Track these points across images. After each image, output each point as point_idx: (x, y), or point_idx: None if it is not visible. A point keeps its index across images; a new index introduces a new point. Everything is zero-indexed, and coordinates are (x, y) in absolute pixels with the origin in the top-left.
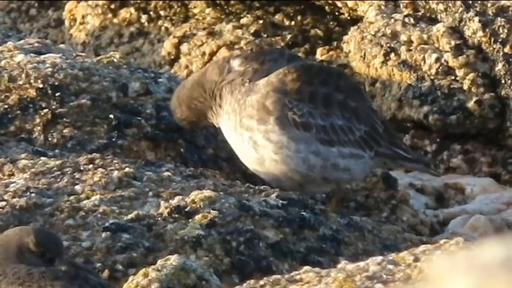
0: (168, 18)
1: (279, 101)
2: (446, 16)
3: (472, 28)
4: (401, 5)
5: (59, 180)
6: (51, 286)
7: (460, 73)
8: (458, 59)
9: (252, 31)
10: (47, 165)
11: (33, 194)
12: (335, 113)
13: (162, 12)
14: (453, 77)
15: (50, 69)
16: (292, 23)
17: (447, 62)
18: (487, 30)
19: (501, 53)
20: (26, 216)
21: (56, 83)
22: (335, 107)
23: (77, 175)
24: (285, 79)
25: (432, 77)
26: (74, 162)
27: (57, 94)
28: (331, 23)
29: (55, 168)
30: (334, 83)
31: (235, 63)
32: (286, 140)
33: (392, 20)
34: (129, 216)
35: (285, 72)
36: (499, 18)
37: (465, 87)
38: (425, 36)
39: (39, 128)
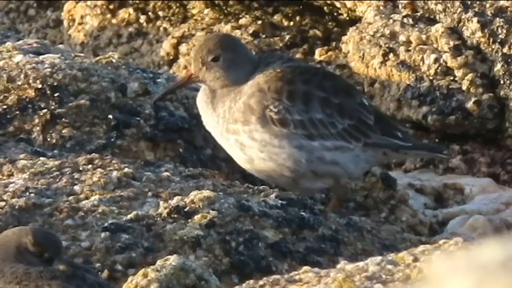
0: (167, 18)
1: (261, 100)
2: (445, 16)
3: (471, 28)
4: (400, 6)
5: (58, 180)
6: (48, 285)
7: (458, 73)
8: (457, 59)
9: (250, 31)
10: (46, 166)
11: (32, 194)
12: (314, 109)
13: (160, 13)
14: (452, 78)
15: (48, 69)
16: (291, 23)
17: (446, 63)
18: (486, 30)
19: (500, 54)
20: (25, 216)
21: (55, 84)
22: (315, 103)
23: (76, 175)
24: (268, 79)
25: (431, 78)
26: (73, 163)
27: (56, 94)
28: (330, 23)
29: (54, 169)
30: (317, 83)
31: None
32: (268, 137)
33: (391, 21)
34: (128, 217)
35: (270, 72)
36: (497, 18)
37: (464, 87)
38: (424, 37)
39: (38, 128)
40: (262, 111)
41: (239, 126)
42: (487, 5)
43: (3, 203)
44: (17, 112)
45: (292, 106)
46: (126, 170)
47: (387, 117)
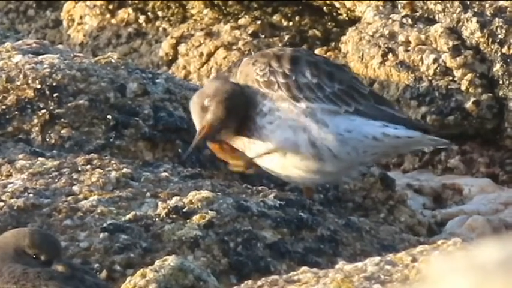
0: (166, 18)
1: (251, 76)
2: (444, 17)
3: (470, 29)
4: (399, 6)
5: (56, 180)
6: (45, 286)
7: (458, 74)
8: (456, 59)
9: (249, 32)
10: (44, 166)
11: (31, 195)
12: (301, 70)
13: (160, 13)
14: (451, 78)
15: (47, 69)
16: (290, 23)
17: (445, 63)
18: (485, 30)
19: (499, 54)
20: (24, 216)
21: (54, 84)
22: (302, 65)
23: (74, 176)
24: (254, 57)
25: (430, 78)
26: (71, 163)
27: (55, 95)
28: (329, 23)
29: (53, 169)
30: (307, 53)
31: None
32: (272, 103)
33: (390, 21)
34: (127, 217)
35: (251, 57)
36: (496, 18)
37: (463, 87)
38: (423, 37)
39: (37, 128)
40: (257, 82)
41: (252, 123)
42: (486, 5)
43: (1, 204)
44: (16, 112)
45: (279, 67)
46: (124, 170)
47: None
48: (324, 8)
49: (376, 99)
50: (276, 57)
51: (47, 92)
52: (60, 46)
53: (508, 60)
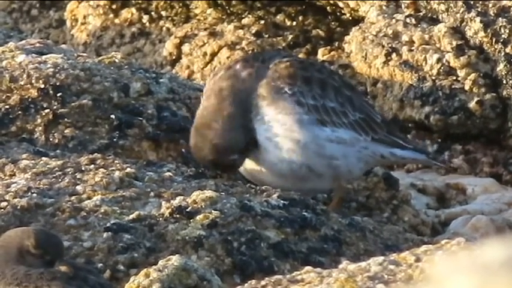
0: (170, 18)
1: (273, 86)
2: (447, 16)
3: (474, 28)
4: (402, 6)
5: (60, 180)
6: (48, 286)
7: (461, 73)
8: (460, 59)
9: (253, 31)
10: (48, 166)
11: (34, 194)
12: (329, 96)
13: (163, 13)
14: (454, 78)
15: (51, 69)
16: (294, 23)
17: (448, 62)
18: (489, 30)
19: (502, 53)
20: (27, 216)
21: (58, 84)
22: (330, 90)
23: (78, 175)
24: (277, 68)
25: (433, 78)
26: (75, 163)
27: (58, 94)
28: (333, 23)
29: (56, 169)
30: (328, 73)
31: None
32: (288, 118)
33: (394, 21)
34: (131, 217)
35: (275, 63)
36: (500, 18)
37: (466, 87)
38: (426, 37)
39: (40, 128)
40: (275, 94)
41: (267, 122)
42: (490, 5)
43: (5, 203)
44: (20, 112)
45: (309, 91)
46: (128, 170)
47: (390, 121)
48: (328, 7)
49: (388, 128)
50: (305, 79)
51: (51, 92)
52: (63, 46)
53: None
